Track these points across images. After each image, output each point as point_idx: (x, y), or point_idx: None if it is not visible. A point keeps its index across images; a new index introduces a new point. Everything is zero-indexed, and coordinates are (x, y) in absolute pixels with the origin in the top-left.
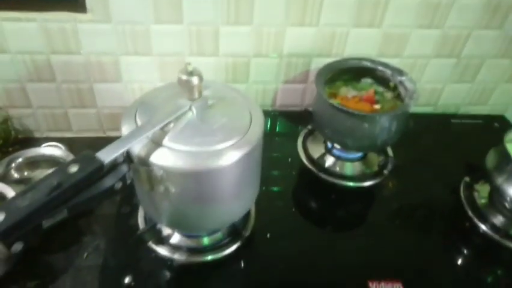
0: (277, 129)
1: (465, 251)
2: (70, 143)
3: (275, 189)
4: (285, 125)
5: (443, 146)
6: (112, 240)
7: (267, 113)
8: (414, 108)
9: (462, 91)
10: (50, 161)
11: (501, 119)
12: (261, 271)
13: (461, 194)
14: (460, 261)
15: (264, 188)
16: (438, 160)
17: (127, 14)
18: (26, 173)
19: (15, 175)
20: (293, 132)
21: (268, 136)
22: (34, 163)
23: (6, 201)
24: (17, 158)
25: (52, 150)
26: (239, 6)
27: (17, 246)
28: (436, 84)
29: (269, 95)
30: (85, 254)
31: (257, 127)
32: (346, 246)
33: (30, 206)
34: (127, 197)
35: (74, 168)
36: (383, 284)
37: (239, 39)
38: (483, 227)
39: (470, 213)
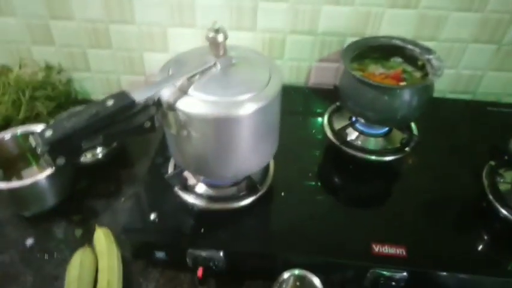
0: (308, 106)
1: (483, 234)
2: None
3: (296, 156)
4: (315, 102)
5: (474, 132)
6: (144, 185)
7: (300, 90)
8: (452, 95)
9: (503, 80)
10: None
11: None
12: (272, 225)
13: (484, 177)
14: (472, 240)
15: (284, 154)
16: (465, 144)
17: None
18: None
19: None
20: (323, 109)
21: (299, 112)
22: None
23: (54, 121)
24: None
25: None
26: None
27: (60, 160)
28: (475, 71)
29: (303, 72)
30: (123, 199)
31: (274, 85)
32: (358, 214)
33: (73, 127)
34: (161, 149)
35: (110, 102)
36: (386, 247)
37: (276, 16)
38: (503, 211)
39: (490, 196)
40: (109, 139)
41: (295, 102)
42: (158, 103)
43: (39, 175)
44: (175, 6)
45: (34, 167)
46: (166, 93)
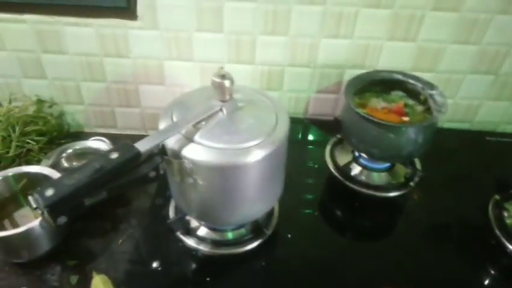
0: (307, 137)
1: (490, 270)
2: (114, 139)
3: (300, 193)
4: (315, 133)
5: (476, 163)
6: (144, 229)
7: (298, 121)
8: (449, 124)
9: (500, 109)
10: (96, 153)
11: None
12: (279, 269)
13: (490, 211)
14: (481, 279)
15: (288, 191)
16: (469, 176)
17: (173, 22)
18: (74, 163)
19: (65, 164)
20: (323, 141)
21: (298, 143)
22: (82, 154)
23: (56, 179)
24: (67, 149)
25: (98, 143)
26: (276, 17)
27: (61, 220)
28: (472, 101)
29: (301, 103)
30: (120, 240)
31: (282, 129)
32: (365, 253)
33: (75, 185)
34: (161, 190)
35: (114, 155)
36: None
37: (275, 49)
38: (510, 246)
39: (497, 231)
40: (113, 192)
41: (295, 134)
42: (162, 151)
43: (33, 222)
44: (172, 40)
45: (26, 208)
46: (171, 141)
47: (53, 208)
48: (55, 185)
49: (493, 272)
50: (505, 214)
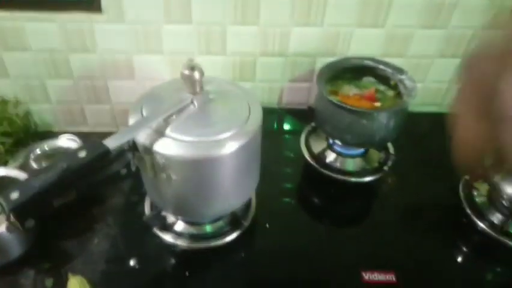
0: (282, 127)
1: (461, 247)
2: (85, 137)
3: (276, 182)
4: (290, 123)
5: (446, 144)
6: (120, 227)
7: (273, 111)
8: (419, 108)
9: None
10: (66, 152)
11: None
12: (259, 259)
13: (460, 191)
14: (455, 257)
15: (265, 181)
16: (440, 158)
17: (140, 14)
18: (43, 164)
19: (34, 165)
20: (298, 130)
21: (273, 133)
22: (51, 154)
23: (21, 181)
24: (36, 149)
25: (68, 142)
26: (246, 7)
27: (30, 223)
28: (441, 84)
29: (275, 93)
30: (96, 240)
31: (255, 120)
32: (343, 238)
33: (41, 186)
34: (135, 186)
35: (82, 154)
36: (376, 274)
37: (246, 39)
38: (481, 224)
39: (468, 210)
40: (83, 192)
41: (269, 124)
42: (133, 147)
43: (1, 226)
44: (141, 33)
45: None
46: (141, 136)
47: (19, 211)
48: (20, 187)
49: (465, 249)
50: (475, 193)
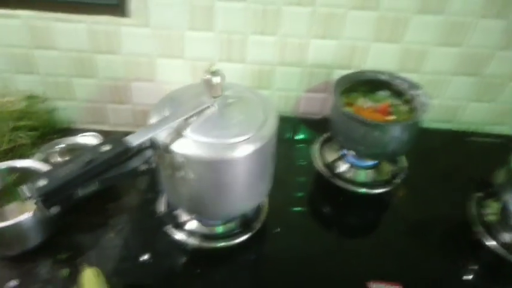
0: (297, 135)
1: (470, 265)
2: (106, 135)
3: (289, 189)
4: (304, 132)
5: (459, 162)
6: (135, 223)
7: (288, 119)
8: (434, 124)
9: (483, 110)
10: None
11: None
12: (267, 262)
13: (471, 209)
14: (463, 274)
15: (277, 187)
16: (452, 175)
17: (165, 20)
18: (66, 158)
19: (57, 158)
20: (312, 139)
21: (288, 141)
22: (73, 149)
23: (49, 170)
24: (60, 144)
25: (90, 139)
26: (266, 18)
27: (55, 209)
28: (456, 102)
29: (291, 102)
30: (111, 235)
31: (270, 125)
32: (351, 248)
33: (68, 175)
34: (151, 185)
35: (105, 148)
36: (382, 285)
37: (265, 48)
38: (491, 242)
39: (478, 228)
40: (105, 184)
41: (284, 131)
42: (154, 145)
43: (24, 214)
44: (164, 38)
45: (18, 202)
46: (162, 135)
47: (46, 198)
48: (48, 175)
49: (473, 266)
50: (486, 211)
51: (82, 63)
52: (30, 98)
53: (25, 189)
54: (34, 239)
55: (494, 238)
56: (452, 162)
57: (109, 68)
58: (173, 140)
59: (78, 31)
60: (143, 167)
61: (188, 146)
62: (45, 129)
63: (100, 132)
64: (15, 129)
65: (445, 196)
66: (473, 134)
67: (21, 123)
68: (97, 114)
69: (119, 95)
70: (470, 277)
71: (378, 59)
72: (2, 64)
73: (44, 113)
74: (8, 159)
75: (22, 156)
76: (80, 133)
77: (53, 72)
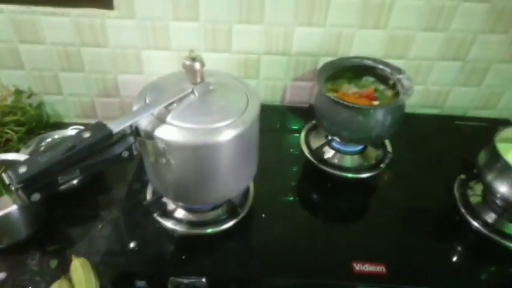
0: (284, 124)
1: (454, 244)
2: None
3: (275, 175)
4: (291, 120)
5: (444, 146)
6: (123, 213)
7: (275, 108)
8: (421, 110)
9: (469, 94)
10: None
11: (507, 122)
12: (254, 247)
13: (455, 190)
14: (447, 254)
15: (264, 174)
16: (437, 158)
17: (149, 11)
18: None
19: None
20: (299, 127)
21: (275, 129)
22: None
23: (29, 157)
24: (47, 138)
25: None
26: (251, 6)
27: (35, 196)
28: (442, 87)
29: (278, 91)
30: (100, 226)
31: (252, 110)
32: (337, 231)
33: (47, 162)
34: (138, 175)
35: (86, 134)
36: (366, 265)
37: (250, 38)
38: (474, 223)
39: (462, 209)
40: (86, 171)
41: (272, 121)
42: (135, 132)
43: (11, 206)
44: (150, 29)
45: (5, 197)
46: (143, 122)
47: (26, 184)
48: (28, 162)
49: (458, 246)
50: (470, 193)
51: (68, 57)
52: (16, 93)
53: (5, 177)
54: (22, 232)
55: (478, 219)
56: (437, 146)
57: (95, 61)
58: (154, 127)
59: (63, 24)
60: (125, 154)
61: (170, 132)
62: (32, 125)
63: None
64: (2, 124)
65: (430, 179)
66: (458, 118)
67: (8, 118)
68: (85, 108)
69: (106, 88)
70: (455, 257)
71: (364, 46)
72: None
73: (31, 108)
74: None
75: (8, 151)
76: (67, 127)
77: (39, 66)
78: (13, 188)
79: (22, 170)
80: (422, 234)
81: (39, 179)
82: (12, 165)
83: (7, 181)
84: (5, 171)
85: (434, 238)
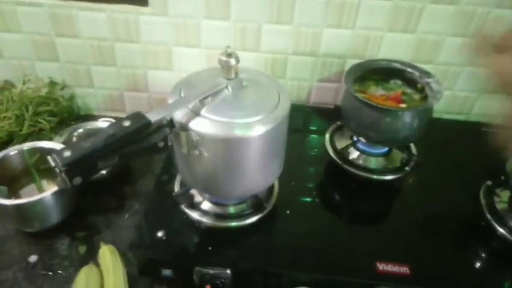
0: (309, 124)
1: (479, 250)
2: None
3: (300, 174)
4: (316, 121)
5: (470, 152)
6: (150, 203)
7: (300, 108)
8: (447, 116)
9: (496, 102)
10: None
11: None
12: (278, 243)
13: (481, 197)
14: (471, 259)
15: (289, 172)
16: (463, 164)
17: (182, 8)
18: None
19: None
20: (323, 128)
21: (300, 129)
22: (92, 134)
23: (73, 143)
24: (78, 129)
25: (107, 124)
26: (281, 7)
27: (77, 180)
28: (469, 93)
29: (304, 91)
30: (126, 216)
31: (283, 108)
32: (361, 231)
33: (90, 148)
34: (167, 167)
35: (126, 123)
36: (390, 265)
37: (279, 37)
38: (500, 229)
39: (488, 215)
40: (124, 159)
41: (297, 121)
42: (171, 124)
43: (46, 192)
44: (181, 26)
45: (38, 183)
46: (179, 114)
47: (70, 168)
48: (72, 147)
49: (482, 253)
50: (496, 199)
51: (101, 51)
52: (51, 84)
53: (50, 159)
54: (54, 217)
55: (504, 225)
56: (463, 152)
57: (127, 56)
58: (189, 119)
59: (99, 20)
60: (161, 144)
61: (203, 124)
62: (63, 116)
63: (117, 119)
64: (35, 114)
65: (455, 184)
66: (485, 125)
67: (41, 109)
68: (114, 101)
69: (136, 82)
70: (479, 263)
71: (392, 49)
72: (24, 51)
73: (63, 99)
74: None
75: (41, 140)
76: (97, 119)
77: (73, 59)
78: (57, 171)
79: (67, 153)
80: (446, 238)
81: (82, 164)
82: (47, 153)
83: (52, 164)
84: (39, 159)
85: (458, 243)
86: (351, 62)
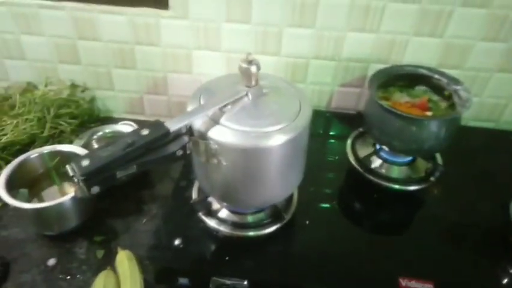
0: (329, 130)
1: (507, 266)
2: (141, 125)
3: (320, 182)
4: (337, 126)
5: (498, 161)
6: (167, 209)
7: (321, 114)
8: (475, 123)
9: None
10: None
11: None
12: (296, 253)
13: (510, 210)
14: (499, 276)
15: (309, 180)
16: (491, 175)
17: (203, 12)
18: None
19: (96, 145)
20: (345, 134)
21: (321, 135)
22: (111, 137)
23: (91, 151)
24: (98, 131)
25: (127, 127)
26: (304, 10)
27: (95, 189)
28: (499, 100)
29: (325, 96)
30: (144, 220)
31: (304, 116)
32: (383, 243)
33: (109, 157)
34: (185, 173)
35: (145, 132)
36: (413, 282)
37: (301, 41)
38: None
39: None
40: (143, 167)
41: (317, 126)
42: (190, 132)
43: (65, 196)
44: (202, 30)
45: (57, 186)
46: (198, 122)
47: (88, 177)
48: (91, 156)
49: (508, 268)
50: None
51: (122, 54)
52: (72, 87)
53: (68, 169)
54: (72, 221)
55: None
56: (491, 161)
57: (147, 59)
58: (208, 128)
59: (120, 23)
60: (179, 153)
61: (223, 133)
62: (84, 118)
63: (136, 122)
64: (57, 116)
65: (483, 196)
66: None
67: (63, 111)
68: (134, 104)
69: (155, 85)
70: (508, 280)
71: (418, 54)
72: (46, 54)
73: (84, 102)
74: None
75: (62, 142)
76: (117, 122)
77: (94, 62)
78: (76, 180)
79: (85, 163)
80: (473, 253)
81: (100, 173)
82: (66, 156)
83: (70, 173)
84: (59, 162)
85: (485, 258)
86: (374, 67)
